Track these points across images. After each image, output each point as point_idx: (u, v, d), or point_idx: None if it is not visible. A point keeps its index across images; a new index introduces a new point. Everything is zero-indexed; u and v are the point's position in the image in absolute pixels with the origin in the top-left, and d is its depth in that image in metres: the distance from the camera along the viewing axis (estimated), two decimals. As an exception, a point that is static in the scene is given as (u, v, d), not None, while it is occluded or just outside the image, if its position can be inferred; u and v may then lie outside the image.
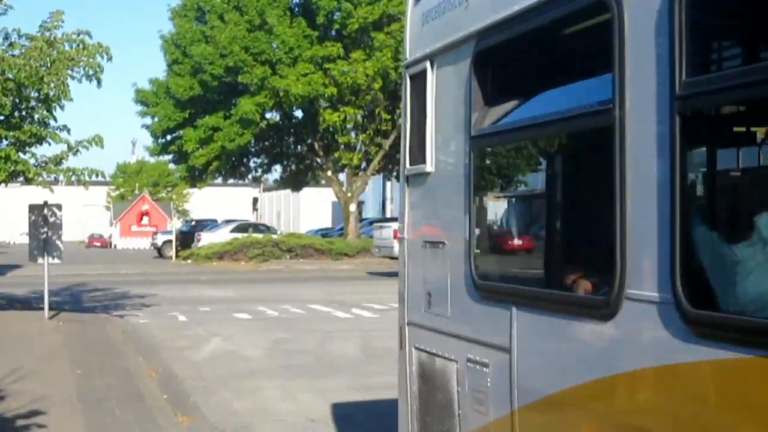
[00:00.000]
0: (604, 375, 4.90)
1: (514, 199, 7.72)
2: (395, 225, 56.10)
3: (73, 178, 22.57)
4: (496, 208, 7.55)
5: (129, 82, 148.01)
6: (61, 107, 22.28)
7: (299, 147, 59.69)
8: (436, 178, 7.32)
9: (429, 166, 7.32)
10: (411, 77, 7.84)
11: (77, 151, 22.26)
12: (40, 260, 23.17)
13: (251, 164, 62.06)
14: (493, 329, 6.15)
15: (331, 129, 53.85)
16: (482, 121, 6.49)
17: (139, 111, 56.81)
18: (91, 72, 21.51)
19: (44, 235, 22.88)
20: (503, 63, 6.61)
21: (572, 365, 5.27)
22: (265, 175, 68.44)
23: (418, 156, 7.56)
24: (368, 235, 57.38)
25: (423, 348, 7.51)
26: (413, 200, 7.97)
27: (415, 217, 7.95)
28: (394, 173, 64.74)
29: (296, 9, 53.05)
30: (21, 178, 23.08)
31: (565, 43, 6.17)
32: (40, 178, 22.44)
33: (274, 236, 56.37)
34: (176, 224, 71.48)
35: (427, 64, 7.40)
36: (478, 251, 6.74)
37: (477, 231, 6.72)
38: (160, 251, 65.63)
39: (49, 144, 22.74)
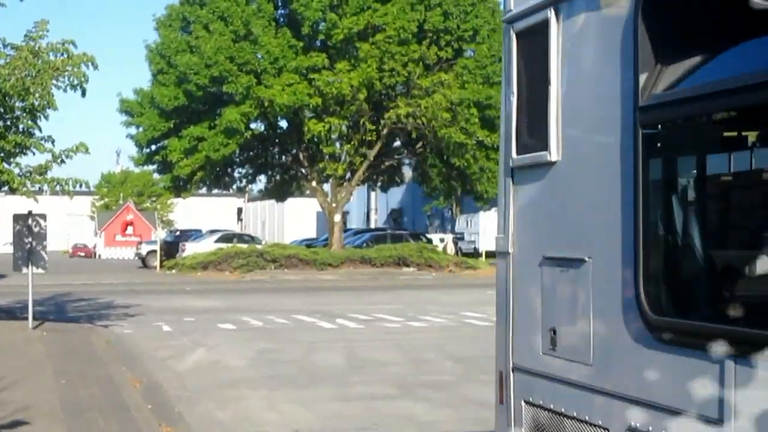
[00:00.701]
0: None
1: (721, 195, 5.31)
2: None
3: (58, 187, 22.53)
4: (685, 208, 5.08)
5: (114, 91, 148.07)
6: (46, 117, 22.26)
7: (284, 157, 59.71)
8: (568, 170, 5.53)
9: (554, 154, 5.56)
10: (519, 34, 6.03)
11: (62, 160, 22.23)
12: (24, 270, 23.13)
13: (236, 174, 62.02)
14: (688, 390, 4.32)
15: (315, 139, 53.84)
16: (655, 84, 4.68)
17: (124, 121, 56.69)
18: (76, 82, 21.48)
19: (29, 245, 22.85)
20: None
21: None
22: (250, 186, 68.37)
23: (533, 141, 5.81)
24: (352, 245, 57.42)
25: (542, 404, 5.70)
26: (525, 201, 6.10)
27: (527, 224, 6.08)
28: (379, 183, 64.87)
29: (281, 19, 53.13)
30: (5, 188, 23.05)
31: None
32: (25, 188, 22.39)
33: (259, 246, 56.32)
34: (161, 234, 71.35)
35: (550, 12, 5.67)
36: (652, 273, 4.75)
37: (648, 243, 4.75)
38: (144, 261, 65.45)
39: (33, 154, 22.72)
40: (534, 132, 5.79)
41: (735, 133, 5.05)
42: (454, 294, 36.68)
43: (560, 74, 5.55)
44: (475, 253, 64.66)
